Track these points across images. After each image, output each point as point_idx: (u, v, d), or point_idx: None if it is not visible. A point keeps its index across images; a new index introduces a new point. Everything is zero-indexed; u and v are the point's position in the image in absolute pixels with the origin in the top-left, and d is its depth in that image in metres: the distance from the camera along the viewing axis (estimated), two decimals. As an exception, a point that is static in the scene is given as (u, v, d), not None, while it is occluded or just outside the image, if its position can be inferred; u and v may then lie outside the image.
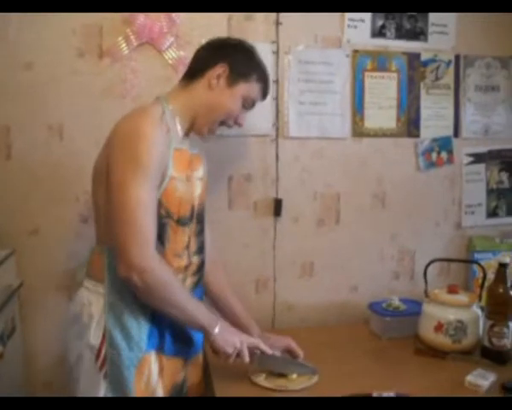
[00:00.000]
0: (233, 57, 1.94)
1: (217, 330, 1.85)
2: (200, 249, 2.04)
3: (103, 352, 1.78)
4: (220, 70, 1.92)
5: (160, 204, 1.79)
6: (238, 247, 2.61)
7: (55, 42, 2.33)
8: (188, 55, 2.28)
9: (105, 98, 2.38)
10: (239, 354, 1.90)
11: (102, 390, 1.78)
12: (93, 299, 1.83)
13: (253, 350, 1.95)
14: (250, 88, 1.97)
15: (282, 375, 2.05)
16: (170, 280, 1.76)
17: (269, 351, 2.00)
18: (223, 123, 2.01)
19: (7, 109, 2.33)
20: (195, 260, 2.00)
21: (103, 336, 1.78)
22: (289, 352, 2.14)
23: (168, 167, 1.80)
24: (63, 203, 2.40)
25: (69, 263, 2.41)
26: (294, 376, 2.06)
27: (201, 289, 2.09)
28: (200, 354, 2.09)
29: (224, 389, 1.97)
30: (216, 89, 1.93)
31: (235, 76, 1.93)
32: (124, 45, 2.36)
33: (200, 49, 2.04)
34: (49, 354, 2.47)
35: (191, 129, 1.98)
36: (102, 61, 2.37)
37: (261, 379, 2.02)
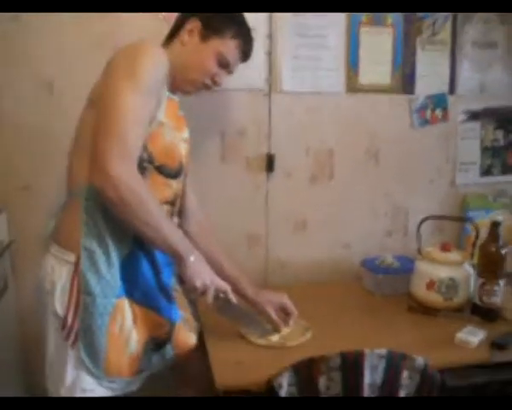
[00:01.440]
0: (212, 16, 1.89)
1: (192, 258, 1.78)
2: (180, 212, 2.04)
3: (69, 320, 1.72)
4: (193, 25, 1.88)
5: (143, 147, 1.72)
6: (230, 203, 2.59)
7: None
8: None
9: (95, 52, 2.30)
10: (204, 292, 1.84)
11: (71, 360, 1.75)
12: (57, 266, 1.76)
13: (219, 293, 1.90)
14: (224, 45, 1.91)
15: (275, 330, 2.08)
16: (146, 198, 1.66)
17: (234, 300, 1.94)
18: (204, 87, 1.97)
19: (-5, 66, 2.30)
20: (176, 221, 1.99)
21: (68, 304, 1.72)
22: (283, 309, 2.14)
23: (160, 110, 1.77)
24: (53, 159, 2.35)
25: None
26: (288, 330, 2.08)
27: None
28: (190, 320, 2.05)
29: (218, 349, 1.98)
30: (189, 45, 1.89)
31: (208, 31, 1.88)
32: (115, -4, 2.30)
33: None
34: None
35: (174, 89, 1.93)
36: (92, 13, 2.31)
37: (255, 337, 2.04)
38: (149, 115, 1.72)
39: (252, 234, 2.66)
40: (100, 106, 1.68)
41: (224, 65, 1.95)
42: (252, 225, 2.65)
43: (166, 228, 1.74)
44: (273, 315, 2.10)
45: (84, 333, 1.72)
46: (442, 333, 2.08)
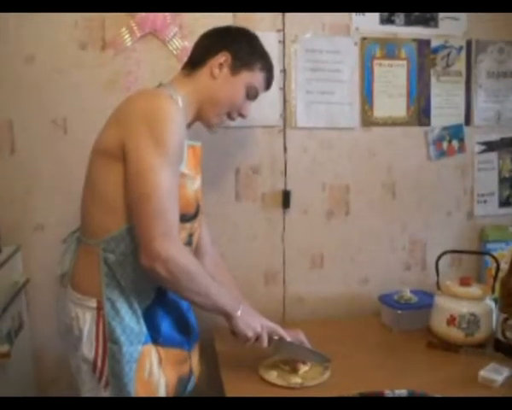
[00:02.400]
0: (236, 45, 1.90)
1: (239, 313, 1.84)
2: (197, 251, 2.06)
3: (99, 362, 1.75)
4: (222, 58, 1.88)
5: None
6: (246, 240, 2.58)
7: (56, 34, 2.30)
8: (192, 45, 2.24)
9: (109, 91, 2.34)
10: (257, 339, 1.90)
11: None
12: (80, 313, 1.78)
13: (271, 335, 1.94)
14: (253, 77, 1.93)
15: (292, 371, 2.04)
16: (194, 268, 1.72)
17: (287, 337, 1.98)
18: (227, 115, 1.97)
19: (9, 103, 2.31)
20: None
21: (96, 348, 1.75)
22: None
23: (182, 163, 1.78)
24: (68, 198, 2.36)
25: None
26: (306, 369, 2.05)
27: None
28: (197, 345, 2.07)
29: (235, 389, 1.94)
30: (219, 78, 1.89)
31: (238, 64, 1.89)
32: (127, 36, 2.33)
33: (202, 37, 1.98)
34: (56, 350, 2.44)
35: (196, 119, 1.96)
36: (105, 52, 2.35)
37: (273, 377, 2.00)
38: (178, 179, 1.74)
39: (269, 270, 2.64)
40: (134, 180, 1.68)
41: (253, 96, 1.96)
42: (269, 262, 2.63)
43: (215, 293, 1.79)
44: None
45: (114, 379, 1.74)
46: (464, 371, 2.02)
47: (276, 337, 1.96)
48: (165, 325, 1.87)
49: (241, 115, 2.00)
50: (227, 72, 1.89)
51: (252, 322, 1.88)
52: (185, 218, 1.84)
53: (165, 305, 1.88)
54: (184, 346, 1.94)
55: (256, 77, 1.94)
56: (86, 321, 1.76)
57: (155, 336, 1.82)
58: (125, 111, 1.75)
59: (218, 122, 1.98)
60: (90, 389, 1.79)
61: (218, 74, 1.88)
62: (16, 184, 2.36)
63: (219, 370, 2.10)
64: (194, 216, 1.90)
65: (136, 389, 1.75)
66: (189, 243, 1.92)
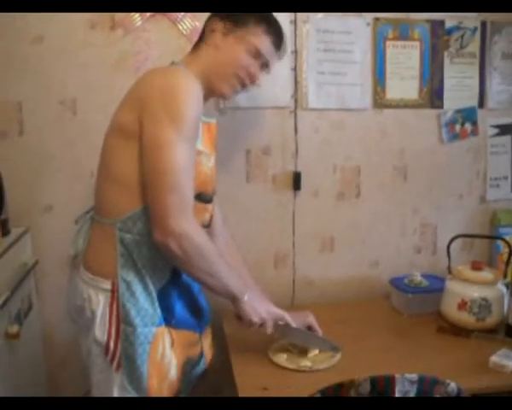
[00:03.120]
0: (226, 11, 1.88)
1: (246, 297, 1.84)
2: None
3: (112, 345, 1.74)
4: (213, 25, 1.88)
5: None
6: (256, 222, 2.58)
7: (65, 14, 2.26)
8: (202, 25, 2.23)
9: (118, 71, 2.33)
10: (262, 324, 1.90)
11: (116, 383, 1.76)
12: (93, 294, 1.78)
13: (277, 322, 1.94)
14: (250, 34, 1.87)
15: (302, 354, 2.04)
16: (208, 249, 1.72)
17: (293, 324, 1.98)
18: (241, 84, 1.92)
19: (18, 84, 2.30)
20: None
21: (109, 330, 1.74)
22: (308, 329, 2.11)
23: (198, 140, 1.77)
24: (77, 179, 2.38)
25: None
26: (316, 352, 2.05)
27: None
28: (208, 328, 2.08)
29: (244, 372, 1.94)
30: (214, 44, 1.87)
31: (230, 25, 1.86)
32: (136, 16, 2.31)
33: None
34: (65, 331, 2.45)
35: (210, 95, 1.94)
36: (115, 32, 2.32)
37: (282, 360, 2.00)
38: (194, 155, 1.73)
39: (279, 253, 2.63)
40: (149, 156, 1.67)
41: (256, 55, 1.89)
42: (279, 244, 2.63)
43: (226, 275, 1.79)
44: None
45: (126, 361, 1.74)
46: (475, 356, 2.01)
47: (281, 323, 1.96)
48: (179, 307, 1.87)
49: (253, 82, 1.94)
50: (220, 36, 1.86)
51: (258, 307, 1.88)
52: (203, 197, 1.84)
53: (179, 286, 1.87)
54: (196, 328, 1.94)
55: (254, 34, 1.88)
56: (99, 303, 1.76)
57: (169, 318, 1.82)
58: (141, 89, 1.74)
59: (231, 92, 1.94)
60: (100, 371, 1.79)
61: (212, 41, 1.87)
62: (25, 166, 2.35)
63: (228, 353, 2.11)
64: (212, 196, 1.90)
65: (149, 371, 1.75)
66: (208, 224, 1.93)
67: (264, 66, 1.95)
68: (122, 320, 1.73)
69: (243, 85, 1.94)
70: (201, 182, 1.81)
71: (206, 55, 1.88)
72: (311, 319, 2.11)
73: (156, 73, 1.79)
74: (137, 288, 1.75)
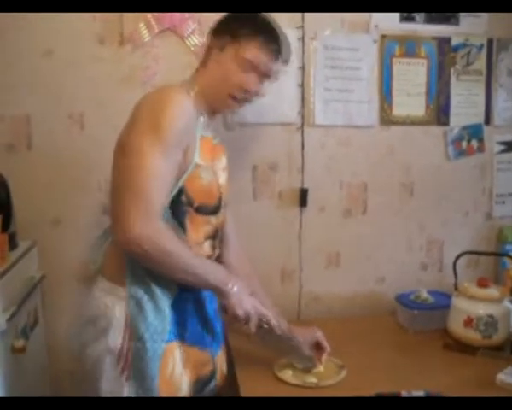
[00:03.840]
0: (217, 25, 1.88)
1: (235, 288, 1.80)
2: (221, 241, 2.02)
3: (124, 354, 1.74)
4: (208, 42, 1.89)
5: (182, 191, 1.75)
6: (263, 238, 2.58)
7: (74, 28, 2.29)
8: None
9: (126, 86, 2.34)
10: (247, 322, 1.85)
11: (126, 392, 1.75)
12: (109, 302, 1.78)
13: (261, 322, 1.90)
14: (242, 48, 1.81)
15: (307, 370, 2.04)
16: (173, 247, 1.68)
17: (277, 330, 1.94)
18: (245, 98, 1.90)
19: (27, 98, 2.32)
20: (217, 251, 1.98)
21: (123, 339, 1.75)
22: (316, 344, 2.10)
23: (194, 154, 1.76)
24: (85, 193, 2.39)
25: (91, 253, 2.38)
26: (320, 369, 2.04)
27: None
28: (224, 349, 2.06)
29: (250, 387, 1.93)
30: (210, 62, 1.86)
31: (221, 40, 1.83)
32: (145, 32, 2.32)
33: None
34: (71, 345, 2.44)
35: (214, 111, 1.93)
36: (123, 47, 2.34)
37: (288, 376, 2.00)
38: (173, 168, 1.71)
39: (285, 268, 2.64)
40: (124, 159, 1.68)
41: (252, 69, 1.84)
42: (285, 260, 2.63)
43: (200, 268, 1.76)
44: (307, 352, 2.08)
45: (137, 375, 1.75)
46: (481, 374, 2.01)
47: (265, 326, 1.91)
48: (193, 323, 1.87)
49: (255, 93, 1.90)
50: (217, 52, 1.85)
51: (245, 302, 1.84)
52: (205, 209, 1.83)
53: (193, 303, 1.87)
54: (208, 347, 1.92)
55: (247, 48, 1.82)
56: (115, 311, 1.76)
57: (182, 333, 1.82)
58: (138, 105, 1.75)
59: (228, 107, 1.93)
60: (110, 379, 1.77)
61: (209, 59, 1.87)
62: (33, 179, 2.36)
63: (234, 367, 2.10)
64: (216, 208, 1.88)
65: (160, 387, 1.75)
66: (213, 237, 1.91)
67: (266, 76, 1.89)
68: (133, 336, 1.74)
69: (245, 101, 1.92)
70: (200, 195, 1.80)
71: (207, 73, 1.87)
72: (319, 335, 2.10)
73: (154, 90, 1.80)
74: (147, 304, 1.75)
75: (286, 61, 1.95)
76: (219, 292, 1.82)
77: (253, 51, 1.83)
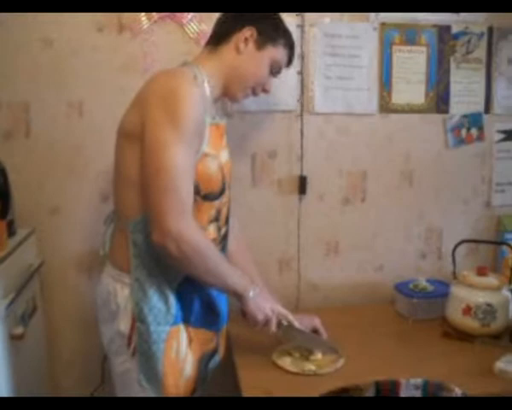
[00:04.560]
0: (261, 21, 1.91)
1: (251, 294, 1.85)
2: (227, 219, 2.03)
3: (134, 339, 1.78)
4: (248, 33, 1.89)
5: None
6: (262, 225, 2.58)
7: (73, 16, 2.27)
8: (210, 28, 2.22)
9: (125, 74, 2.33)
10: (267, 323, 1.91)
11: (135, 373, 1.80)
12: (118, 288, 1.81)
13: (281, 321, 1.95)
14: (277, 52, 1.94)
15: (305, 358, 2.04)
16: (206, 248, 1.74)
17: (296, 324, 1.99)
18: (252, 90, 1.99)
19: (25, 86, 2.31)
20: (224, 230, 1.99)
21: (132, 323, 1.78)
22: (314, 331, 2.13)
23: (203, 143, 1.77)
24: (83, 181, 2.39)
25: (89, 242, 2.39)
26: (318, 357, 2.05)
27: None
28: (225, 326, 2.09)
29: (248, 374, 1.94)
30: (244, 53, 1.89)
31: (264, 39, 1.90)
32: (144, 19, 2.31)
33: (225, 14, 1.99)
34: (69, 332, 2.47)
35: (222, 95, 1.97)
36: (122, 35, 2.33)
37: (286, 363, 2.00)
38: (194, 156, 1.73)
39: (283, 257, 2.63)
40: (147, 156, 1.69)
41: (276, 72, 1.98)
42: (284, 248, 2.62)
43: (225, 273, 1.81)
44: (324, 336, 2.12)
45: (142, 358, 1.78)
46: (480, 361, 2.01)
47: (285, 323, 1.96)
48: (197, 306, 1.88)
49: (265, 91, 2.02)
50: (252, 47, 1.90)
51: (263, 305, 1.89)
52: (211, 197, 1.85)
53: (197, 286, 1.87)
54: (213, 327, 1.96)
55: (280, 52, 1.95)
56: (123, 297, 1.79)
57: (187, 315, 1.85)
58: (145, 91, 1.76)
59: (243, 97, 2.00)
60: (123, 361, 1.83)
61: (244, 49, 1.89)
62: (31, 167, 2.36)
63: (232, 354, 2.11)
64: (220, 193, 1.90)
65: (165, 369, 1.78)
66: (216, 219, 1.92)
67: (276, 73, 2.00)
68: (136, 318, 1.76)
69: (255, 94, 2.01)
70: (207, 183, 1.81)
71: (228, 58, 1.90)
72: (317, 322, 2.13)
73: (160, 75, 1.80)
74: (150, 287, 1.77)
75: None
76: (238, 297, 1.86)
77: (281, 52, 1.97)
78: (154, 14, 2.31)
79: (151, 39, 2.34)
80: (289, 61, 2.04)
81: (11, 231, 2.13)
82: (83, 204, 2.40)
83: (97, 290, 1.94)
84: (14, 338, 1.93)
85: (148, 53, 2.34)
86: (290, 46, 2.00)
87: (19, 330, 1.96)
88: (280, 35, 1.94)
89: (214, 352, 2.00)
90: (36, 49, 2.29)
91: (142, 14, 2.31)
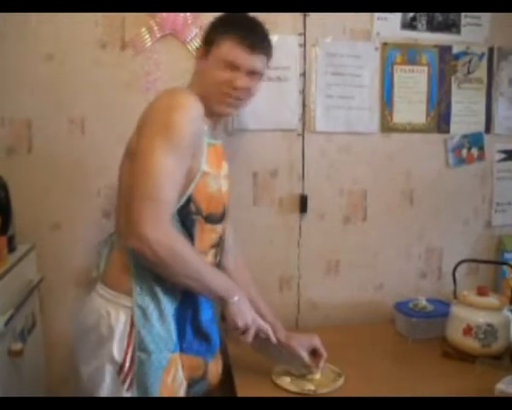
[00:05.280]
0: (204, 34, 1.92)
1: (236, 298, 1.82)
2: (223, 249, 2.02)
3: (127, 365, 1.74)
4: (200, 50, 1.92)
5: (190, 200, 1.76)
6: (262, 244, 2.57)
7: (76, 33, 2.29)
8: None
9: (127, 91, 2.34)
10: (245, 331, 1.87)
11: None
12: (111, 310, 1.77)
13: (259, 334, 1.91)
14: (222, 49, 1.84)
15: (304, 377, 2.04)
16: (184, 253, 1.70)
17: (274, 340, 1.95)
18: (234, 98, 1.89)
19: (28, 102, 2.31)
20: (219, 258, 1.98)
21: (126, 348, 1.74)
22: (313, 351, 2.10)
23: (202, 162, 1.77)
24: (84, 198, 2.38)
25: (89, 259, 2.36)
26: (317, 376, 2.05)
27: None
28: (219, 352, 2.05)
29: (248, 395, 1.92)
30: (201, 65, 1.90)
31: (206, 45, 1.89)
32: (147, 37, 2.32)
33: None
34: (67, 349, 2.44)
35: (215, 115, 1.92)
36: (125, 52, 2.34)
37: (286, 383, 2.00)
38: (184, 171, 1.71)
39: (284, 275, 2.63)
40: (134, 163, 1.69)
41: (233, 67, 1.84)
42: (284, 267, 2.62)
43: (208, 276, 1.78)
44: (306, 358, 2.07)
45: (139, 387, 1.75)
46: (480, 383, 1.99)
47: (262, 336, 1.93)
48: (189, 332, 1.86)
49: (241, 89, 1.87)
50: (202, 57, 1.89)
51: (245, 312, 1.86)
52: (213, 218, 1.84)
53: (190, 311, 1.86)
54: (202, 354, 1.91)
55: (225, 47, 1.84)
56: (119, 320, 1.75)
57: (181, 342, 1.83)
58: (147, 110, 1.76)
59: (230, 109, 1.93)
60: (108, 388, 1.76)
61: (199, 63, 1.91)
62: (33, 183, 2.35)
63: (232, 374, 2.10)
64: (222, 217, 1.89)
65: (158, 393, 1.76)
66: (217, 244, 1.92)
67: (252, 72, 1.89)
68: (137, 347, 1.73)
69: (238, 99, 1.91)
70: (208, 203, 1.81)
71: (199, 81, 1.90)
72: (317, 342, 2.10)
73: (163, 92, 1.80)
74: (153, 313, 1.75)
75: (268, 55, 1.95)
76: (221, 300, 1.83)
77: (229, 49, 1.84)
78: (156, 31, 2.32)
79: (153, 57, 2.34)
80: (250, 46, 1.85)
81: (11, 247, 2.13)
82: (83, 220, 2.39)
83: (83, 315, 1.88)
84: (12, 355, 1.92)
85: (151, 71, 2.34)
86: (239, 34, 1.84)
87: (17, 346, 1.94)
88: (216, 31, 1.87)
89: (202, 378, 1.94)
90: (38, 65, 2.30)
91: (145, 31, 2.32)
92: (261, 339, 1.94)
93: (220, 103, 1.89)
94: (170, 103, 1.71)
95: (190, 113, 1.71)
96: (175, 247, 1.67)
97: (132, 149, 1.76)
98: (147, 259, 1.65)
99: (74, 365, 1.94)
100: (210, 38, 1.88)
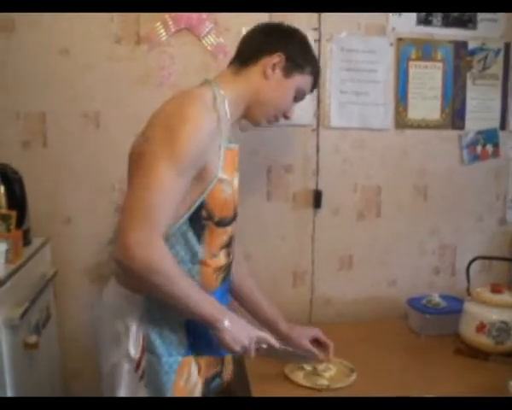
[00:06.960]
0: (290, 47, 1.84)
1: (226, 322, 1.72)
2: (234, 247, 1.98)
3: (143, 362, 1.72)
4: (277, 59, 1.81)
5: (202, 206, 1.70)
6: (276, 239, 2.58)
7: (91, 27, 2.30)
8: (227, 42, 2.24)
9: (142, 85, 2.35)
10: (245, 351, 1.80)
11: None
12: (128, 309, 1.74)
13: (260, 345, 1.85)
14: (304, 80, 1.88)
15: (317, 372, 2.05)
16: (168, 272, 1.61)
17: (276, 345, 1.89)
18: (274, 118, 1.92)
19: (42, 96, 2.33)
20: (232, 256, 1.93)
21: (142, 345, 1.72)
22: (318, 342, 2.12)
23: (217, 168, 1.71)
24: (98, 192, 2.40)
25: (103, 253, 2.39)
26: (331, 371, 2.05)
27: (228, 283, 1.98)
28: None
29: (261, 389, 1.93)
30: (271, 78, 1.82)
31: (292, 66, 1.83)
32: (162, 31, 2.32)
33: (253, 33, 1.91)
34: (82, 342, 2.47)
35: (243, 117, 1.90)
36: (140, 47, 2.35)
37: (299, 378, 2.00)
38: (185, 186, 1.65)
39: (297, 270, 2.63)
40: (135, 171, 1.64)
41: (300, 99, 1.92)
42: (297, 262, 2.62)
43: (195, 298, 1.68)
44: (309, 346, 2.08)
45: (151, 388, 1.73)
46: (493, 380, 1.97)
47: (264, 346, 1.87)
48: (206, 333, 1.78)
49: (286, 117, 1.94)
50: (279, 73, 1.83)
51: (238, 336, 1.76)
52: (224, 222, 1.79)
53: None
54: (218, 353, 1.89)
55: (306, 80, 1.89)
56: (134, 318, 1.73)
57: (197, 346, 1.79)
58: (155, 114, 1.70)
59: (265, 123, 1.92)
60: (128, 385, 1.75)
61: (271, 75, 1.82)
62: (48, 177, 2.37)
63: (245, 369, 2.10)
64: (233, 218, 1.85)
65: (173, 395, 1.75)
66: (227, 245, 1.87)
67: (300, 100, 1.95)
68: (147, 349, 1.72)
69: (276, 120, 1.95)
70: (221, 209, 1.76)
71: (253, 81, 1.83)
72: (318, 332, 2.13)
73: (176, 95, 1.73)
74: (161, 318, 1.73)
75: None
76: (212, 325, 1.73)
77: (308, 83, 1.92)
78: (171, 26, 2.32)
79: (168, 51, 2.35)
80: (312, 89, 1.98)
81: (26, 241, 2.15)
82: (96, 215, 2.40)
83: (99, 308, 1.89)
84: (27, 347, 1.94)
85: (165, 66, 2.35)
86: (316, 73, 1.93)
87: (32, 339, 1.97)
88: (308, 63, 1.88)
89: (218, 375, 1.94)
90: (53, 59, 2.31)
91: (160, 26, 2.32)
92: (264, 349, 1.89)
93: (263, 119, 1.90)
94: (181, 114, 1.62)
95: (199, 129, 1.63)
96: (163, 265, 1.60)
97: (137, 153, 1.69)
98: (124, 271, 1.63)
99: (92, 356, 1.95)
100: (298, 62, 1.85)
